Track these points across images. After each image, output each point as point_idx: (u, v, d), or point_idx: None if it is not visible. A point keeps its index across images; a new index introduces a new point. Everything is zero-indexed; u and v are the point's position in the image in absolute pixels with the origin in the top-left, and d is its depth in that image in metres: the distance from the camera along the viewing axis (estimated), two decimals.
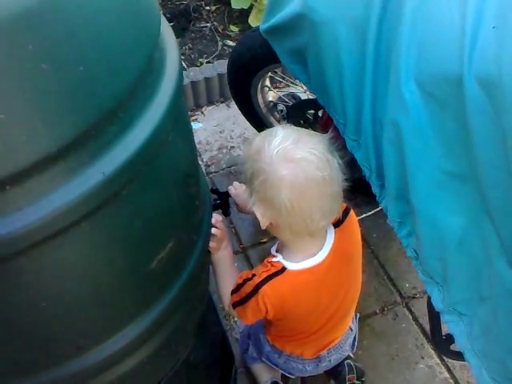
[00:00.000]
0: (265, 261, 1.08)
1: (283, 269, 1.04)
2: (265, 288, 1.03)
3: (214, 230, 1.04)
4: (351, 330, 1.33)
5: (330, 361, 1.31)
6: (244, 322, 1.15)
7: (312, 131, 1.04)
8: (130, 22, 0.59)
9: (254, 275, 1.06)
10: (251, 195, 0.99)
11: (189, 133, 0.85)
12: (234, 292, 1.10)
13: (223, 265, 1.13)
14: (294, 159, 0.93)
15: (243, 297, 1.06)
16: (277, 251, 1.10)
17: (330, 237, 1.07)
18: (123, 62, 0.57)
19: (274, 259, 1.06)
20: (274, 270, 1.04)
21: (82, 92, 0.53)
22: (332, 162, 0.95)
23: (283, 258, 1.06)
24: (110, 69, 0.56)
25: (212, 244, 1.04)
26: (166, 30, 0.72)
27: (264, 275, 1.04)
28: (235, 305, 1.09)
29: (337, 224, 1.10)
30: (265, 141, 0.96)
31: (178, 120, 0.71)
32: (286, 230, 1.00)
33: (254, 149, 0.98)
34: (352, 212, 1.15)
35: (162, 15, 0.72)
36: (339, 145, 1.01)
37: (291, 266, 1.05)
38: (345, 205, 1.12)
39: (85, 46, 0.52)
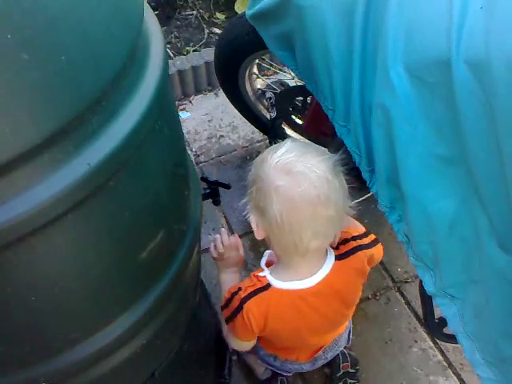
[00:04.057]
0: (251, 274, 1.07)
1: (268, 285, 1.03)
2: (249, 304, 1.02)
3: (232, 254, 1.06)
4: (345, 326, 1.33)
5: (326, 358, 1.32)
6: (237, 338, 1.11)
7: (322, 148, 1.00)
8: (111, 9, 0.58)
9: (239, 289, 1.04)
10: (249, 202, 0.98)
11: (176, 122, 0.85)
12: (224, 307, 1.08)
13: (228, 286, 1.12)
14: (292, 172, 0.91)
15: (232, 312, 1.05)
16: (266, 265, 1.08)
17: (327, 266, 1.04)
18: (106, 51, 0.56)
19: (261, 274, 1.05)
20: (259, 285, 1.03)
21: (64, 81, 0.52)
22: (332, 183, 0.92)
23: (270, 274, 1.04)
24: (93, 58, 0.55)
25: (224, 265, 1.05)
26: (150, 18, 0.71)
27: (249, 290, 1.03)
28: (227, 320, 1.08)
29: (340, 256, 1.06)
30: (270, 151, 0.95)
31: (164, 109, 0.70)
32: (276, 245, 0.98)
33: (260, 157, 0.98)
34: (360, 254, 1.08)
35: (145, 3, 0.71)
36: (348, 164, 0.98)
37: (277, 283, 1.02)
38: (354, 244, 1.08)
39: (66, 34, 0.51)
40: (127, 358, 0.85)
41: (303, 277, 1.02)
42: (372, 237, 1.13)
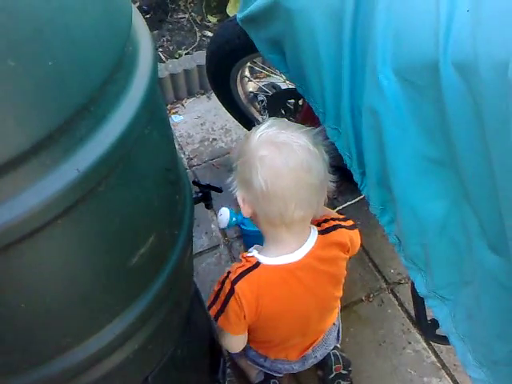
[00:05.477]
0: (240, 256, 1.09)
1: (257, 263, 1.05)
2: (240, 284, 1.03)
3: None
4: (334, 324, 1.33)
5: (316, 357, 1.32)
6: (231, 333, 1.12)
7: (302, 125, 1.05)
8: (99, 14, 0.58)
9: (229, 273, 1.06)
10: (234, 179, 1.01)
11: (166, 126, 0.84)
12: (212, 303, 1.09)
13: None
14: (275, 142, 0.95)
15: (223, 300, 1.05)
16: (255, 248, 1.10)
17: (312, 239, 1.07)
18: (94, 56, 0.56)
19: (249, 254, 1.07)
20: (248, 265, 1.05)
21: (52, 87, 0.52)
22: (313, 152, 0.97)
23: (258, 253, 1.06)
24: (81, 63, 0.55)
25: None
26: (139, 22, 0.71)
27: (239, 271, 1.04)
28: (217, 316, 1.08)
29: (322, 231, 1.10)
30: (253, 129, 1.01)
31: (154, 113, 0.70)
32: (263, 218, 1.00)
33: (245, 136, 1.03)
34: (341, 230, 1.13)
35: (134, 6, 0.71)
36: (327, 139, 1.02)
37: (265, 260, 1.05)
38: (334, 223, 1.14)
39: (53, 40, 0.51)
40: (120, 363, 0.85)
41: (290, 250, 1.05)
42: (350, 222, 1.18)
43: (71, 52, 0.53)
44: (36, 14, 0.50)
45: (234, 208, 1.44)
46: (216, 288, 1.08)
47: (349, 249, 1.14)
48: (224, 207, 1.43)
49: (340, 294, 1.21)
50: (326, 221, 1.14)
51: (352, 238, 1.16)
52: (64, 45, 0.52)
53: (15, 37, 0.47)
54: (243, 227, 1.49)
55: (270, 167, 0.94)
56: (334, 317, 1.33)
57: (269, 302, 1.06)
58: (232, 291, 1.03)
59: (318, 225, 1.12)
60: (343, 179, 1.57)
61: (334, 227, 1.13)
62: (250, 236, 1.55)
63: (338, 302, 1.26)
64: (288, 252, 1.05)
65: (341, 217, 1.19)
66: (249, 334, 1.22)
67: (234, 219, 1.43)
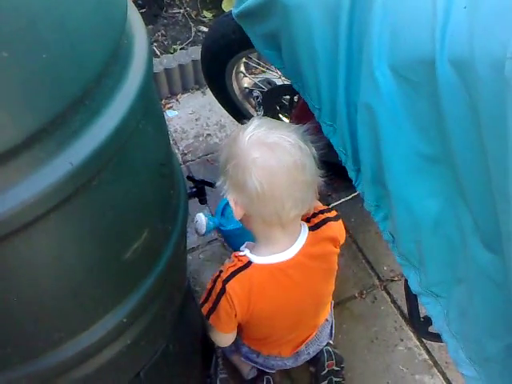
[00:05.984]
0: (232, 255, 1.09)
1: (249, 263, 1.04)
2: (231, 283, 1.03)
3: None
4: (327, 320, 1.34)
5: (308, 353, 1.32)
6: (221, 331, 1.13)
7: (288, 123, 1.04)
8: (94, 7, 0.57)
9: (221, 271, 1.06)
10: (225, 182, 0.99)
11: (160, 121, 0.84)
12: (204, 301, 1.09)
13: None
14: (266, 143, 0.94)
15: (215, 299, 1.05)
16: (246, 247, 1.10)
17: (303, 237, 1.07)
18: (88, 49, 0.56)
19: (241, 253, 1.07)
20: (240, 264, 1.05)
21: (46, 80, 0.52)
22: (305, 150, 0.96)
23: (250, 253, 1.06)
24: (75, 56, 0.54)
25: None
26: (134, 16, 0.71)
27: (231, 270, 1.04)
28: (209, 314, 1.08)
29: (312, 227, 1.10)
30: (241, 129, 0.99)
31: (148, 108, 0.70)
32: (258, 219, 0.99)
33: (231, 137, 1.01)
34: (330, 224, 1.13)
35: (129, 1, 0.71)
36: (315, 135, 1.01)
37: (257, 259, 1.04)
38: (323, 217, 1.13)
39: (47, 32, 0.51)
40: (112, 358, 0.85)
41: (282, 249, 1.05)
42: (334, 212, 1.18)
43: (66, 44, 0.53)
44: (30, 6, 0.49)
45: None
46: (208, 286, 1.08)
47: (339, 242, 1.15)
48: (198, 213, 1.41)
49: (332, 288, 1.21)
50: (314, 215, 1.14)
51: (339, 230, 1.16)
52: (58, 37, 0.52)
53: (9, 28, 0.47)
54: (222, 228, 1.47)
55: (264, 168, 0.93)
56: (327, 311, 1.33)
57: (261, 300, 1.06)
58: (223, 290, 1.03)
59: (308, 220, 1.12)
60: (337, 176, 1.59)
61: (324, 221, 1.13)
62: (230, 236, 1.54)
63: (331, 296, 1.26)
64: (280, 251, 1.05)
65: (326, 208, 1.18)
66: (243, 331, 1.22)
67: (211, 223, 1.42)
